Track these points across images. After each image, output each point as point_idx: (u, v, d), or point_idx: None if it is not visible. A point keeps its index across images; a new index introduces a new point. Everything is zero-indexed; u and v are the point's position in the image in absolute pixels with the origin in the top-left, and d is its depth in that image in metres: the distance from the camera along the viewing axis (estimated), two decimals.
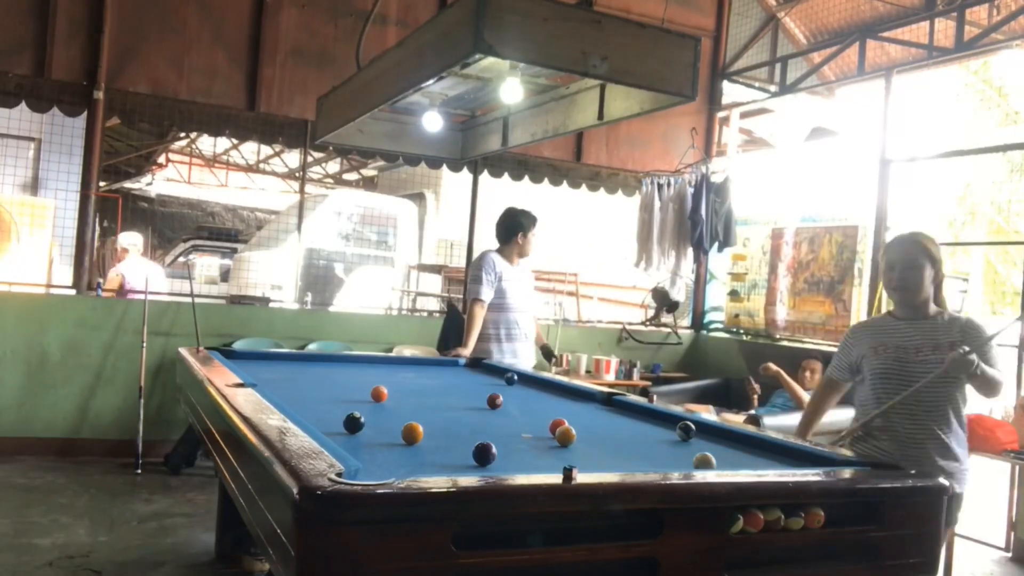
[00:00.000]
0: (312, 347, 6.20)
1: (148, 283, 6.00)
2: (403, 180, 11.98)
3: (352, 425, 2.47)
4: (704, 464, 2.22)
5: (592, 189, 7.62)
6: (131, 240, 7.08)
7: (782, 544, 2.03)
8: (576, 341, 7.27)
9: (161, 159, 16.95)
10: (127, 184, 15.58)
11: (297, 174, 15.30)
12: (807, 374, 5.88)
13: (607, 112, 3.44)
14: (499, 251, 4.97)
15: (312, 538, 1.63)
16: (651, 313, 7.76)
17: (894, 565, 2.16)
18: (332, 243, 10.73)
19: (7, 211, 6.42)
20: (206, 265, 12.36)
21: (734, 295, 7.45)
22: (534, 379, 4.15)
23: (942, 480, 2.26)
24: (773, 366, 5.87)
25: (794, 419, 5.65)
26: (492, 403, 3.20)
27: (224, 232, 14.42)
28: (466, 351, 4.69)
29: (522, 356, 4.92)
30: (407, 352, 6.46)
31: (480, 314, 4.77)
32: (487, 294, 4.78)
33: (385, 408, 3.10)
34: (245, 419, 2.36)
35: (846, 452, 2.69)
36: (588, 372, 6.85)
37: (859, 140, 8.08)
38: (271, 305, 6.99)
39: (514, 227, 4.96)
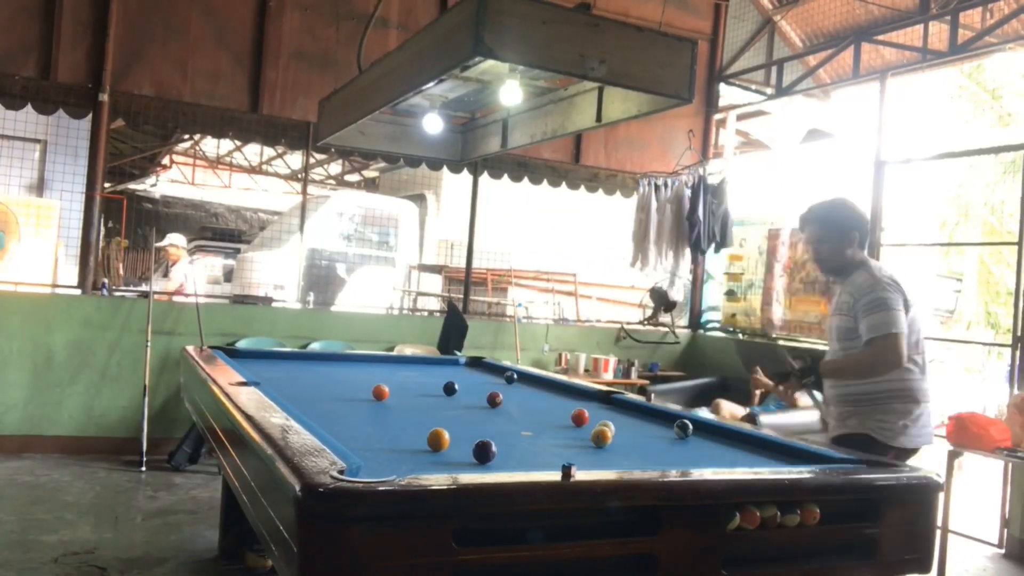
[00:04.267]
0: (314, 346, 6.24)
1: (195, 284, 6.16)
2: (404, 181, 12.02)
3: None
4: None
5: (591, 190, 7.65)
6: (183, 242, 7.24)
7: (778, 541, 2.06)
8: (575, 340, 7.31)
9: (165, 161, 16.98)
10: (131, 185, 15.59)
11: (299, 175, 15.32)
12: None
13: (605, 114, 3.47)
14: None
15: (314, 534, 1.66)
16: (649, 313, 7.79)
17: (889, 561, 2.19)
18: (334, 243, 10.77)
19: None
20: (210, 265, 12.38)
21: (731, 295, 7.49)
22: (534, 378, 4.19)
23: (936, 477, 2.30)
24: (762, 379, 6.02)
25: (790, 418, 5.74)
26: (492, 401, 3.23)
27: (227, 233, 14.45)
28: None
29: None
30: (408, 351, 6.49)
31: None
32: None
33: (387, 406, 3.14)
34: (248, 417, 2.39)
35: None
36: (587, 371, 6.90)
37: (854, 142, 8.11)
38: (274, 305, 7.03)
39: None
